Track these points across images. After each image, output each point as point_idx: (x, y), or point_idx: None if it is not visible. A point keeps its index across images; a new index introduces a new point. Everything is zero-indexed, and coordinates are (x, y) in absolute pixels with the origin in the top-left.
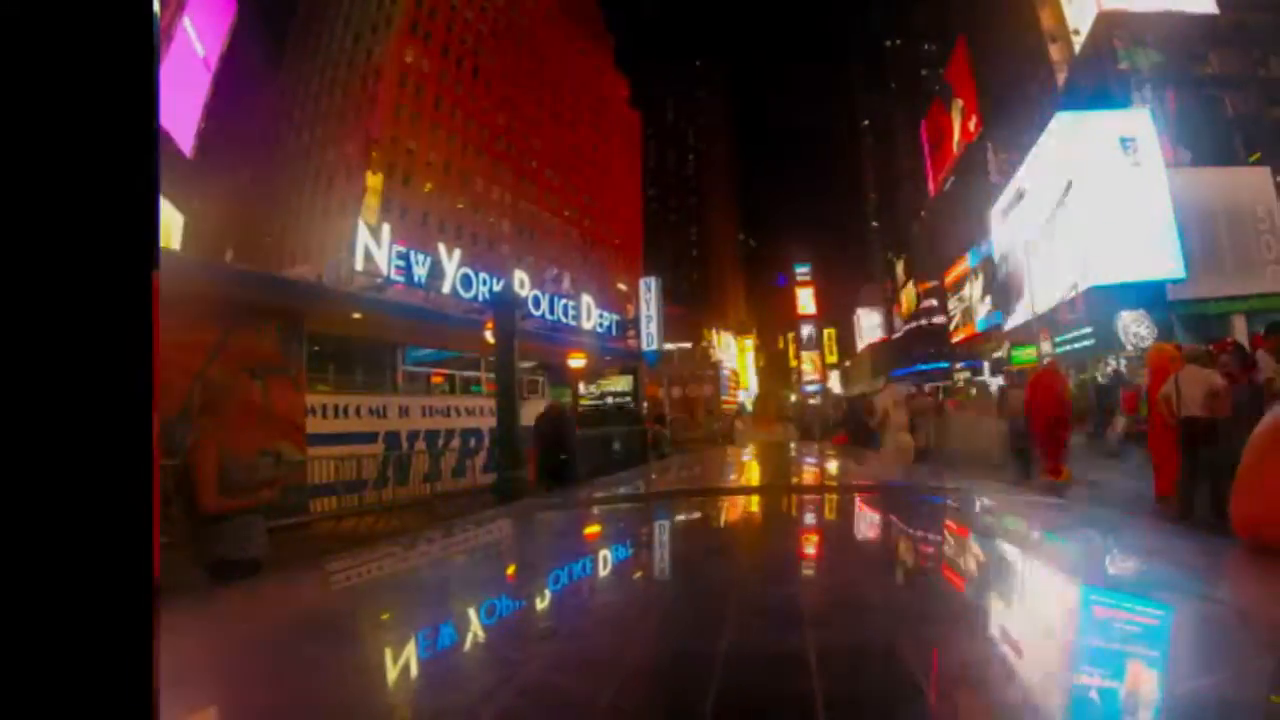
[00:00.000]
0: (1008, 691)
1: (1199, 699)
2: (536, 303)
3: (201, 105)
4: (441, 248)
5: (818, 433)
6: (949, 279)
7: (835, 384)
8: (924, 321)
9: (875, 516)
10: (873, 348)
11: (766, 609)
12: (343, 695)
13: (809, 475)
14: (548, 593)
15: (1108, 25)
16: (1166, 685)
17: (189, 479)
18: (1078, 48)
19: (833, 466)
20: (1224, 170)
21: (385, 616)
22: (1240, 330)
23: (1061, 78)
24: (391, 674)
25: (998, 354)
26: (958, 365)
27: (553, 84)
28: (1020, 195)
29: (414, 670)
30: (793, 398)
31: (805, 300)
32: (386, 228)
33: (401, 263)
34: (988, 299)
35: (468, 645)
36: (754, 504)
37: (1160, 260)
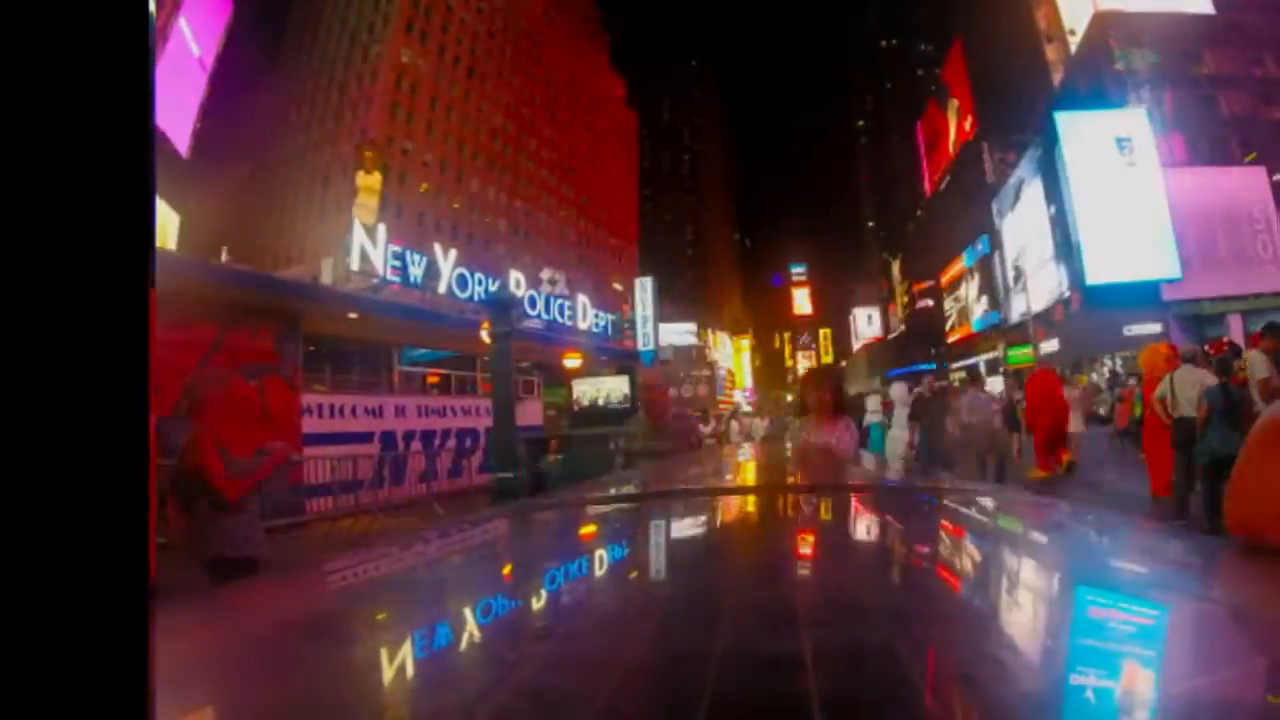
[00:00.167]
0: (1004, 691)
1: (1195, 699)
2: (533, 303)
3: (197, 105)
4: (437, 247)
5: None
6: (945, 279)
7: None
8: (920, 321)
9: (871, 516)
10: (868, 347)
11: (763, 609)
12: (338, 695)
13: (806, 475)
14: (544, 593)
15: (1104, 25)
16: (1162, 685)
17: (196, 478)
18: (1074, 48)
19: (828, 467)
20: (1220, 170)
21: (381, 616)
22: (1236, 330)
23: (1057, 78)
24: (387, 674)
25: (993, 354)
26: (953, 365)
27: (549, 83)
28: (1017, 195)
29: (410, 670)
30: (789, 397)
31: (801, 300)
32: (382, 227)
33: (397, 263)
34: (984, 299)
35: (464, 645)
36: (750, 504)
37: (1156, 260)
